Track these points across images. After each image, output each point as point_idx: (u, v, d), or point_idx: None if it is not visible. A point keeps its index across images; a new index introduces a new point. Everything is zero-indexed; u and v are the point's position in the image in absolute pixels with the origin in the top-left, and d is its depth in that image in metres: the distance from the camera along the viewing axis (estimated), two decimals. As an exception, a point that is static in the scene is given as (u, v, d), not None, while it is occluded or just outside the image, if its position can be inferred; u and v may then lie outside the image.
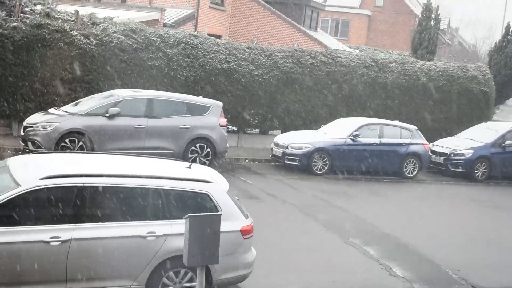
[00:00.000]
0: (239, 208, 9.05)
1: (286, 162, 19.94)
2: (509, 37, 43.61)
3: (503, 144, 22.58)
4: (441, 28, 49.79)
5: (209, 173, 9.46)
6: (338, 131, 20.76)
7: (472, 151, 22.09)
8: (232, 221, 8.72)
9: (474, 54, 70.31)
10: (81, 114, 16.77)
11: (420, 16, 40.92)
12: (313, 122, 23.49)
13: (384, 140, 20.86)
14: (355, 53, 28.44)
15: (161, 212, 8.44)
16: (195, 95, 19.56)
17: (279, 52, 23.67)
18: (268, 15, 33.94)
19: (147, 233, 8.28)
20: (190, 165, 9.39)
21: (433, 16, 39.23)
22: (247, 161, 20.73)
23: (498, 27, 69.60)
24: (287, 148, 19.90)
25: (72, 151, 15.69)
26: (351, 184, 19.34)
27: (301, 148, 19.75)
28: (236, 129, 23.06)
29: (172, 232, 8.31)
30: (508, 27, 44.85)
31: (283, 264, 11.23)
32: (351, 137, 20.33)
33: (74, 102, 18.08)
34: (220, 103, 18.96)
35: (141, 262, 8.24)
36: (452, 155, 22.21)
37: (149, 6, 29.28)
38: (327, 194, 17.37)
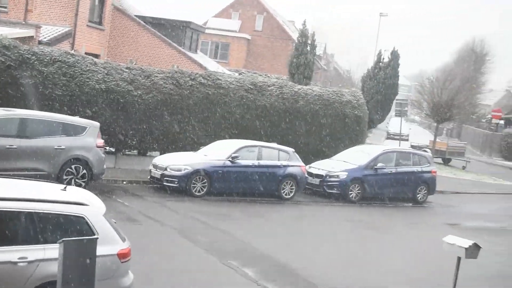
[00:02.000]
0: (116, 231, 8.83)
1: (164, 184, 19.74)
2: (380, 64, 45.75)
3: (375, 167, 23.46)
4: (317, 53, 51.45)
5: (85, 195, 9.18)
6: (217, 152, 20.82)
7: (347, 173, 22.79)
8: (109, 244, 8.48)
9: (349, 79, 73.15)
10: None
11: (297, 41, 42.09)
12: (193, 144, 23.44)
13: (262, 162, 21.13)
14: (234, 76, 28.72)
15: (34, 237, 8.08)
16: (71, 115, 19.01)
17: (159, 73, 23.50)
18: (148, 35, 33.70)
19: (18, 258, 7.89)
20: (65, 187, 9.07)
21: (309, 42, 40.46)
22: (124, 183, 20.34)
23: (371, 55, 72.67)
24: (165, 169, 19.72)
25: None
26: (230, 206, 19.41)
27: (180, 170, 19.63)
28: (113, 150, 22.59)
29: (46, 257, 7.96)
30: (379, 54, 47.07)
31: (161, 287, 11.05)
32: (230, 159, 20.44)
33: None
34: (97, 124, 18.53)
35: (12, 290, 7.84)
36: (327, 177, 22.81)
37: (23, 22, 28.27)
38: (206, 216, 17.33)
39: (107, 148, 21.38)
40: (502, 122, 65.83)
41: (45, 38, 27.38)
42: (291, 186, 21.61)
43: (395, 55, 46.26)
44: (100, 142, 18.23)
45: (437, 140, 44.49)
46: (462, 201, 28.11)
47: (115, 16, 33.52)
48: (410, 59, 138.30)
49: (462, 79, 48.51)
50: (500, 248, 18.12)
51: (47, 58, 20.81)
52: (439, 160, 42.09)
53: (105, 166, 18.53)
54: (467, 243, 9.57)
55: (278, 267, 13.39)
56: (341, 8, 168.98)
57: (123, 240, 8.86)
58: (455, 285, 9.97)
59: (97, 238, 7.55)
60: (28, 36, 25.76)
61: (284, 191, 21.46)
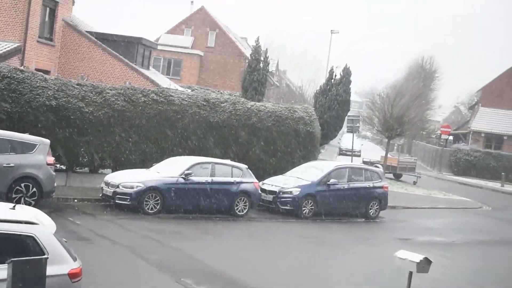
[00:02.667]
0: (67, 250, 8.67)
1: (117, 201, 19.51)
2: (332, 81, 46.16)
3: (328, 182, 23.63)
4: (270, 70, 51.67)
5: (35, 214, 9.00)
6: (170, 169, 20.70)
7: (300, 189, 22.89)
8: (59, 264, 8.32)
9: (301, 96, 73.70)
10: None
11: (249, 58, 42.24)
12: (145, 161, 23.27)
13: (215, 179, 21.08)
14: (187, 92, 28.67)
15: (-19, 257, 7.87)
16: (20, 132, 18.65)
17: (111, 90, 23.31)
18: (99, 51, 33.41)
19: (-35, 280, 7.67)
20: (14, 206, 8.89)
21: (262, 58, 40.64)
22: (76, 201, 20.02)
23: (323, 71, 73.40)
24: (118, 187, 19.50)
25: None
26: (184, 223, 19.29)
27: (132, 187, 19.44)
28: (64, 167, 22.26)
29: (-7, 278, 7.76)
30: (331, 71, 47.47)
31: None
32: (183, 176, 20.34)
33: None
34: (48, 141, 18.23)
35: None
36: (280, 193, 22.87)
37: (-29, 38, 27.80)
38: (159, 233, 17.17)
39: (58, 165, 21.05)
40: (451, 137, 67.18)
41: (-7, 54, 26.92)
42: (245, 202, 21.59)
43: (347, 72, 46.70)
44: (51, 159, 17.95)
45: (389, 155, 45.12)
46: (414, 216, 28.50)
47: (66, 32, 33.17)
48: (362, 76, 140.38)
49: (412, 95, 49.30)
50: (450, 262, 18.40)
51: (-4, 74, 20.45)
52: (391, 175, 42.70)
53: (55, 184, 18.24)
54: (418, 257, 9.69)
55: (232, 285, 13.32)
56: (293, 25, 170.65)
57: (74, 259, 8.71)
58: (407, 299, 10.07)
59: (47, 257, 7.41)
60: (-24, 52, 25.33)
61: (238, 208, 21.43)
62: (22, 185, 17.14)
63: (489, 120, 61.94)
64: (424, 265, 9.67)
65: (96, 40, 33.69)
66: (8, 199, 15.86)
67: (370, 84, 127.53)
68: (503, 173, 52.36)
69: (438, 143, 67.31)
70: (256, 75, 39.92)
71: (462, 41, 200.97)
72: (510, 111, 61.91)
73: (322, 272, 15.86)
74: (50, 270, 7.44)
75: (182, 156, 22.65)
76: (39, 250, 8.16)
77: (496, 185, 50.93)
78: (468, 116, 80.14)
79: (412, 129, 46.37)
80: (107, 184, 19.85)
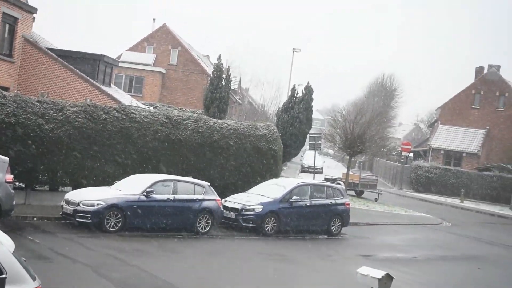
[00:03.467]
0: (26, 269, 8.51)
1: (77, 219, 19.25)
2: (294, 98, 46.41)
3: (290, 200, 23.68)
4: (232, 87, 51.84)
5: (-7, 233, 8.84)
6: (131, 187, 20.53)
7: (262, 207, 22.89)
8: (18, 284, 8.15)
9: (263, 113, 73.95)
10: None
11: (211, 75, 42.28)
12: (106, 179, 23.03)
13: (178, 196, 20.97)
14: (149, 109, 28.54)
15: None
16: (-22, 149, 18.34)
17: (71, 107, 23.08)
18: (59, 68, 33.08)
19: None
20: (-28, 225, 8.72)
21: (224, 76, 40.73)
22: (35, 219, 19.70)
23: (285, 89, 73.82)
24: (78, 205, 19.25)
25: None
26: (146, 241, 19.12)
27: (93, 205, 19.21)
28: (24, 185, 21.91)
29: (-51, 299, 7.58)
30: (293, 89, 47.76)
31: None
32: (145, 193, 20.19)
33: None
34: (6, 158, 17.91)
35: None
36: (243, 211, 22.83)
37: None
38: (120, 252, 16.99)
39: (17, 183, 20.71)
40: (411, 155, 68.00)
41: (-49, 70, 26.48)
42: (207, 220, 21.51)
43: (308, 90, 47.02)
44: (9, 177, 17.63)
45: (350, 172, 45.39)
46: (375, 232, 28.71)
47: (26, 48, 32.80)
48: (324, 94, 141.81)
49: (372, 113, 49.85)
50: (411, 278, 18.55)
51: (-47, 91, 20.10)
52: (352, 192, 42.99)
53: (14, 202, 17.90)
54: (380, 273, 9.76)
55: (194, 302, 13.23)
56: (255, 44, 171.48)
57: (34, 278, 8.55)
58: (369, 315, 10.11)
59: (6, 277, 7.28)
60: None
61: (200, 226, 21.33)
62: (-20, 203, 16.80)
63: (448, 138, 62.96)
64: (386, 281, 9.74)
65: (56, 57, 33.36)
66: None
67: (332, 102, 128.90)
68: (462, 190, 53.21)
69: (398, 160, 68.08)
70: (218, 92, 39.98)
71: (422, 59, 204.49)
72: (469, 128, 63.07)
73: (285, 289, 15.83)
74: (9, 290, 7.31)
75: (144, 174, 22.48)
76: (-3, 269, 8.00)
77: (456, 201, 51.68)
78: (428, 134, 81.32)
79: (373, 147, 46.74)
80: (68, 202, 19.59)
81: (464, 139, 62.40)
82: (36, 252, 15.29)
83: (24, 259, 8.97)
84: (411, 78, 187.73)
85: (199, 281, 15.21)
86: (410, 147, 64.00)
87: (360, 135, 41.56)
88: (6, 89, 28.53)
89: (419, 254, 24.00)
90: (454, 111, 64.89)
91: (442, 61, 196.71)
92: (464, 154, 61.77)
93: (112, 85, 39.38)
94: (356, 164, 72.87)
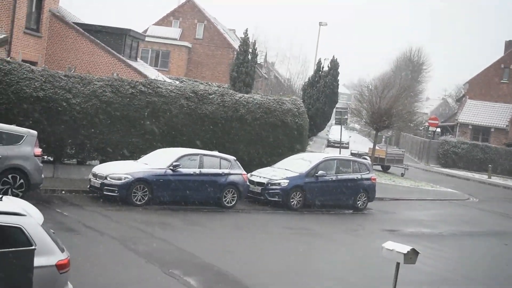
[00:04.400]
0: (55, 241, 8.65)
1: (104, 193, 19.46)
2: (320, 73, 46.23)
3: (316, 174, 23.67)
4: (258, 62, 51.69)
5: (22, 205, 8.96)
6: (158, 161, 20.66)
7: (288, 181, 22.91)
8: (47, 255, 8.30)
9: (289, 88, 73.69)
10: None
11: (238, 50, 42.19)
12: (133, 153, 23.20)
13: (204, 170, 21.07)
14: (175, 84, 28.59)
15: (-32, 249, 7.83)
16: (7, 123, 18.52)
17: (98, 81, 23.20)
18: (86, 43, 33.23)
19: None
20: (1, 197, 8.85)
21: (250, 50, 40.62)
22: (63, 192, 19.97)
23: (311, 64, 73.43)
24: (105, 178, 19.44)
25: None
26: (172, 215, 19.28)
27: (120, 179, 19.39)
28: (52, 159, 22.17)
29: (-19, 269, 7.73)
30: (319, 63, 47.58)
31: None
32: (171, 168, 20.31)
33: None
34: (35, 132, 18.14)
35: None
36: (269, 185, 22.88)
37: (-43, 28, 27.57)
38: (147, 225, 17.16)
39: (45, 157, 20.97)
40: (438, 130, 67.41)
41: (-20, 45, 26.73)
42: (233, 194, 21.60)
43: (334, 64, 46.78)
44: (38, 151, 17.87)
45: (376, 147, 45.20)
46: (401, 207, 28.64)
47: (53, 23, 32.96)
48: (350, 69, 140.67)
49: (400, 87, 49.36)
50: (437, 254, 18.51)
51: (-18, 65, 20.32)
52: (379, 167, 42.81)
53: (43, 176, 18.18)
54: (405, 248, 9.74)
55: (220, 275, 13.34)
56: (282, 17, 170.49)
57: (62, 250, 8.69)
58: (394, 290, 10.12)
59: (35, 249, 7.40)
60: (-38, 43, 25.13)
61: (226, 200, 21.44)
62: (10, 176, 17.07)
63: (476, 113, 62.23)
64: (412, 256, 9.72)
65: (83, 31, 33.49)
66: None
67: (358, 76, 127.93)
68: (490, 165, 52.67)
69: (425, 135, 67.50)
70: (244, 67, 39.94)
71: (450, 33, 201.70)
72: (497, 103, 62.23)
73: (310, 262, 15.92)
74: (38, 261, 7.43)
75: (170, 148, 22.59)
76: (26, 241, 8.13)
77: (483, 177, 51.24)
78: (456, 109, 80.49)
79: (399, 121, 46.36)
80: (95, 175, 19.80)
81: (492, 114, 61.62)
82: (64, 225, 15.50)
83: (53, 231, 9.11)
84: (439, 52, 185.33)
85: (225, 254, 15.33)
86: (437, 122, 63.35)
87: (387, 110, 41.26)
88: (34, 63, 28.75)
89: (445, 230, 23.92)
90: (483, 85, 64.03)
91: (470, 34, 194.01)
92: (492, 129, 61.06)
93: (138, 59, 39.49)
94: (383, 139, 72.42)
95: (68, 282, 8.82)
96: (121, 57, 34.01)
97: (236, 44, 56.03)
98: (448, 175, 50.68)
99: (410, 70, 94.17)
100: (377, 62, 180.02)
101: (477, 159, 57.12)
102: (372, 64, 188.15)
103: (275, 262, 15.32)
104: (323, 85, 44.48)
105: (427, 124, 64.87)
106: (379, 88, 45.12)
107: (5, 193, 15.82)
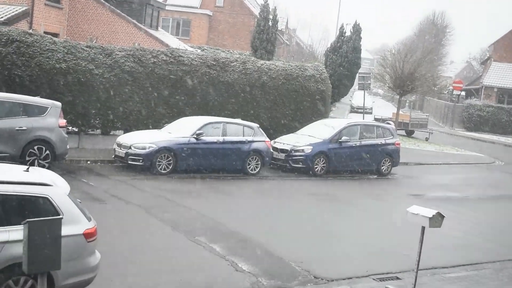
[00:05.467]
0: (82, 211, 8.76)
1: (129, 162, 19.60)
2: (343, 38, 45.80)
3: (340, 140, 23.60)
4: (279, 29, 51.31)
5: (49, 176, 9.08)
6: (181, 130, 20.72)
7: (311, 147, 22.88)
8: (74, 224, 8.42)
9: (311, 54, 73.19)
10: None
11: (258, 16, 41.92)
12: (156, 122, 23.31)
13: (227, 138, 21.10)
14: (196, 52, 28.55)
15: (-3, 219, 7.96)
16: (31, 95, 18.67)
17: (120, 51, 23.23)
18: (107, 13, 33.24)
19: (-18, 242, 7.77)
20: (28, 168, 8.96)
21: (271, 17, 40.33)
22: (89, 162, 20.15)
23: (333, 29, 72.83)
24: (130, 148, 19.56)
25: None
26: (196, 183, 19.39)
27: (144, 148, 19.50)
28: (76, 130, 22.34)
29: (10, 239, 7.86)
30: (342, 29, 47.11)
31: (129, 266, 11.02)
32: (195, 136, 20.37)
33: None
34: (59, 104, 18.26)
35: (-24, 273, 7.74)
36: (292, 151, 22.87)
37: (-21, 2, 27.70)
38: (172, 193, 17.29)
39: (70, 128, 21.15)
40: (463, 93, 66.71)
41: (1, 17, 26.87)
42: (257, 161, 21.64)
43: (357, 29, 46.29)
44: (63, 122, 18.01)
45: (400, 112, 44.94)
46: (426, 172, 28.51)
47: (74, -6, 32.98)
48: (373, 35, 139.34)
49: (423, 51, 48.88)
50: (463, 217, 18.45)
51: (5, 38, 20.43)
52: (403, 132, 42.60)
53: (68, 146, 18.34)
54: (431, 212, 9.71)
55: (245, 242, 13.43)
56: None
57: (89, 219, 8.80)
58: (420, 254, 10.13)
59: (62, 218, 7.50)
60: (-16, 16, 25.27)
61: (250, 167, 21.49)
62: (35, 147, 17.25)
63: (501, 75, 61.32)
64: (437, 220, 9.70)
65: (103, 1, 33.48)
66: (22, 162, 15.96)
67: (381, 41, 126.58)
68: (515, 128, 52.10)
69: (450, 99, 66.88)
70: (265, 33, 39.70)
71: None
72: (523, 65, 61.26)
73: (335, 228, 15.94)
74: (65, 230, 7.54)
75: (193, 116, 22.63)
76: (53, 211, 8.25)
77: (509, 140, 50.70)
78: (480, 72, 79.48)
79: (423, 85, 46.01)
80: (119, 145, 19.93)
81: (518, 76, 60.73)
82: (90, 194, 15.67)
83: (79, 200, 9.23)
84: (463, 15, 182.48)
85: (250, 221, 15.41)
86: (461, 85, 62.61)
87: (411, 74, 40.94)
88: (56, 35, 28.85)
89: (471, 193, 23.80)
90: (508, 47, 62.99)
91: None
92: (518, 92, 60.27)
93: (159, 28, 39.45)
94: (406, 104, 71.94)
95: (96, 251, 8.95)
96: (142, 26, 34.00)
97: (256, 11, 55.64)
98: (473, 138, 50.22)
99: (434, 33, 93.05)
100: (401, 27, 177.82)
101: (503, 122, 56.49)
102: (395, 28, 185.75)
103: (299, 228, 15.37)
104: (345, 50, 44.07)
105: (451, 87, 64.24)
106: (402, 52, 44.75)
107: (32, 164, 16.01)
